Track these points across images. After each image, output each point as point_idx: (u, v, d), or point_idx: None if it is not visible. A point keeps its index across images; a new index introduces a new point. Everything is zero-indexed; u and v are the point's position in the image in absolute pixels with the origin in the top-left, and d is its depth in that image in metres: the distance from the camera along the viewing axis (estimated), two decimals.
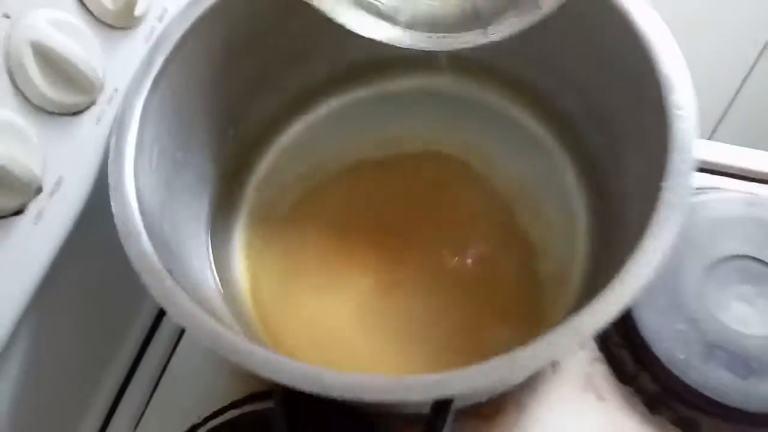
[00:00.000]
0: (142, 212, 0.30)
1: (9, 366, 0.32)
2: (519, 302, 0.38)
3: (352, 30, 0.33)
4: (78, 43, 0.29)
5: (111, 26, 0.32)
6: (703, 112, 0.77)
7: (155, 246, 0.29)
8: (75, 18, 0.30)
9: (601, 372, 0.39)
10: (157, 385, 0.41)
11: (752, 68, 0.76)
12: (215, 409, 0.39)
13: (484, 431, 0.37)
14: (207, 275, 0.37)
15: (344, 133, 0.44)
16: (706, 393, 0.36)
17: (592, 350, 0.39)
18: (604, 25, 0.33)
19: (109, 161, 0.31)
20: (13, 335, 0.30)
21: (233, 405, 0.39)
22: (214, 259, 0.38)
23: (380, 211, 0.42)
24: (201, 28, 0.35)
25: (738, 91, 0.79)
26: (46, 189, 0.29)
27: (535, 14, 0.30)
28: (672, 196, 0.26)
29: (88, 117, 0.32)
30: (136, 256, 0.29)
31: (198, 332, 0.27)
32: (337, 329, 0.38)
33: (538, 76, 0.41)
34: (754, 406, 0.35)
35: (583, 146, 0.39)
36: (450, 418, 0.26)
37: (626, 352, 0.39)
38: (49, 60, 0.28)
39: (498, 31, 0.31)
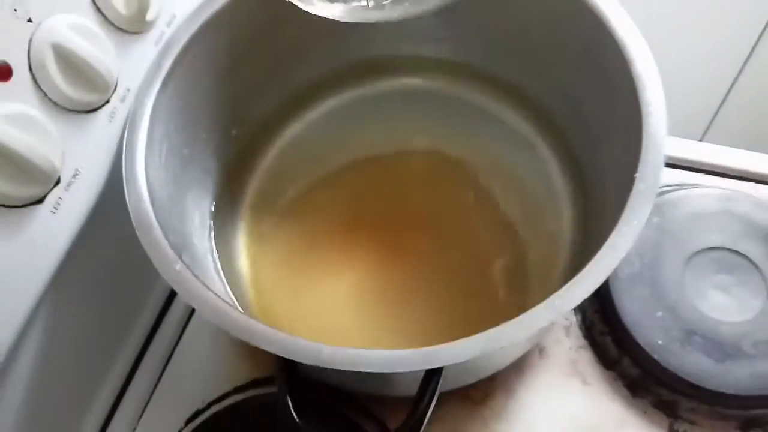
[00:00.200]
0: (153, 203, 0.32)
1: (23, 351, 0.33)
2: (508, 290, 0.40)
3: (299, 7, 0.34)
4: (94, 45, 0.31)
5: (124, 30, 0.34)
6: (694, 114, 0.79)
7: (165, 234, 0.31)
8: (92, 23, 0.32)
9: (585, 358, 0.41)
10: (163, 371, 0.42)
11: (741, 70, 0.78)
12: (219, 394, 0.40)
13: (476, 415, 0.39)
14: (210, 263, 0.39)
15: (342, 131, 0.46)
16: (684, 376, 0.37)
17: (577, 338, 0.41)
18: (582, 29, 0.35)
19: (123, 156, 0.33)
20: (30, 319, 0.32)
21: (236, 390, 0.40)
22: (217, 248, 0.40)
23: (376, 204, 0.43)
24: (206, 33, 0.37)
25: (728, 94, 0.81)
26: (64, 180, 0.31)
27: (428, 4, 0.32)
28: (643, 185, 0.29)
29: (102, 114, 0.33)
30: (148, 243, 0.31)
31: (207, 311, 0.29)
32: (334, 316, 0.40)
33: (523, 77, 0.43)
34: (729, 388, 0.37)
35: (566, 142, 0.41)
36: (438, 390, 0.28)
37: (609, 339, 0.40)
38: (68, 61, 0.30)
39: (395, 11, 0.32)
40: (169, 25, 0.37)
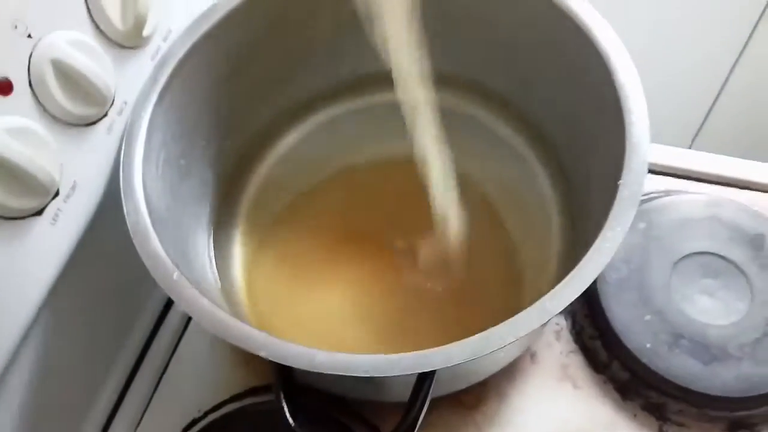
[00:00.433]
0: (150, 214, 0.33)
1: (21, 359, 0.34)
2: (501, 296, 0.41)
3: None
4: (92, 60, 0.32)
5: (121, 45, 0.35)
6: (682, 122, 0.80)
7: (162, 244, 0.32)
8: (90, 38, 0.32)
9: (576, 362, 0.41)
10: (160, 380, 0.43)
11: (727, 79, 0.79)
12: (216, 402, 0.40)
13: (468, 420, 0.39)
14: (207, 272, 0.39)
15: (335, 142, 0.46)
16: (672, 379, 0.38)
17: (567, 342, 0.42)
18: (567, 41, 0.36)
19: (121, 167, 0.34)
20: (29, 329, 0.32)
21: (233, 398, 0.41)
22: (214, 257, 0.40)
23: (370, 213, 0.44)
24: (202, 47, 0.38)
25: (714, 102, 0.82)
26: (63, 192, 0.32)
27: None
28: (627, 192, 0.29)
29: (100, 127, 0.34)
30: (146, 254, 0.31)
31: (203, 319, 0.29)
32: (328, 324, 0.40)
33: (512, 90, 0.44)
34: (716, 390, 0.38)
35: (554, 151, 0.42)
36: (430, 394, 0.29)
37: (599, 343, 0.41)
38: (67, 76, 0.31)
39: None
40: (165, 39, 0.38)
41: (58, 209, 0.32)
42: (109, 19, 0.33)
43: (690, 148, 0.86)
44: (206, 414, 0.40)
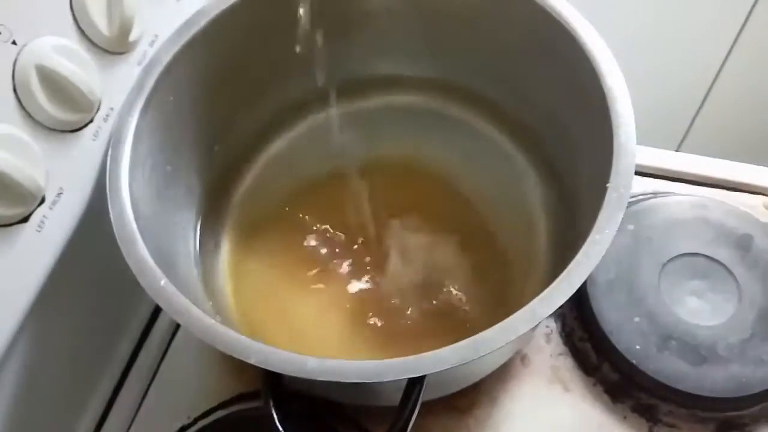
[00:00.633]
0: (137, 220, 0.33)
1: (8, 367, 0.33)
2: (490, 299, 0.41)
3: None
4: (78, 66, 0.32)
5: (107, 51, 0.34)
6: (669, 125, 0.81)
7: (149, 250, 0.32)
8: (75, 44, 0.32)
9: (566, 365, 0.41)
10: (148, 387, 0.43)
11: (713, 83, 0.80)
12: (205, 409, 0.40)
13: (461, 424, 0.39)
14: (195, 278, 0.39)
15: (323, 147, 0.46)
16: (662, 380, 0.38)
17: (557, 345, 0.42)
18: (555, 46, 0.36)
19: (107, 173, 0.33)
20: (15, 336, 0.32)
21: (222, 405, 0.40)
22: (201, 263, 0.40)
23: (358, 218, 0.44)
24: (189, 52, 0.38)
25: (701, 106, 0.83)
26: (48, 199, 0.32)
27: None
28: (615, 194, 0.30)
29: (86, 134, 0.34)
30: (133, 260, 0.31)
31: (192, 326, 0.29)
32: (316, 329, 0.40)
33: (499, 92, 0.44)
34: (705, 391, 0.38)
35: (542, 153, 0.42)
36: (420, 398, 0.28)
37: (589, 345, 0.41)
38: (52, 82, 0.30)
39: None
40: (151, 45, 0.38)
41: (44, 216, 0.32)
42: (94, 25, 0.33)
43: (678, 150, 0.87)
44: (196, 420, 0.40)
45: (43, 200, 0.31)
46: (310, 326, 0.41)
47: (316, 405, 0.37)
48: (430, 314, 0.40)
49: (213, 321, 0.29)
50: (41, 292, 0.33)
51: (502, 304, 0.40)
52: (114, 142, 0.34)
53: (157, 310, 0.46)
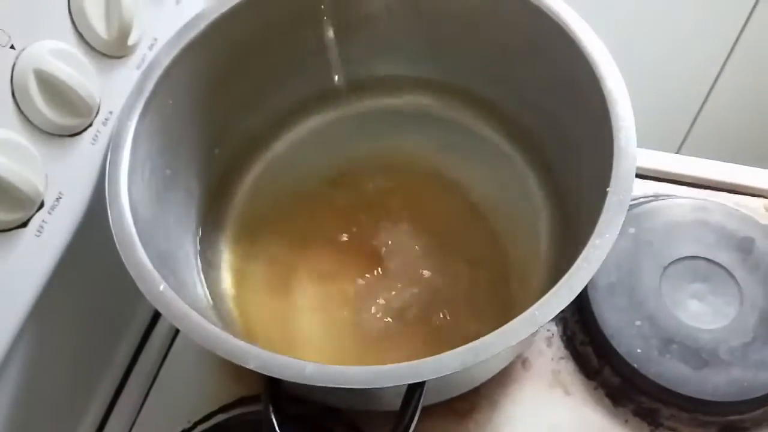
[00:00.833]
0: (137, 224, 0.32)
1: (8, 372, 0.33)
2: (490, 303, 0.41)
3: None
4: (77, 70, 0.31)
5: (106, 55, 0.34)
6: (669, 127, 0.81)
7: (149, 255, 0.32)
8: (74, 48, 0.32)
9: (567, 368, 0.41)
10: (149, 391, 0.42)
11: (713, 86, 0.80)
12: (205, 413, 0.40)
13: (461, 428, 0.39)
14: (195, 282, 0.39)
15: (324, 150, 0.46)
16: (664, 384, 0.38)
17: (558, 348, 0.42)
18: (555, 48, 0.36)
19: (106, 178, 0.33)
20: (14, 341, 0.32)
21: (223, 409, 0.40)
22: (202, 267, 0.40)
23: (358, 221, 0.44)
24: (188, 55, 0.38)
25: (701, 107, 0.83)
26: (47, 204, 0.32)
27: None
28: (615, 199, 0.29)
29: (85, 138, 0.34)
30: (132, 264, 0.31)
31: (191, 331, 0.29)
32: (317, 332, 0.40)
33: (499, 94, 0.44)
34: (707, 395, 0.38)
35: (542, 156, 0.42)
36: (420, 404, 0.28)
37: (590, 348, 0.41)
38: (50, 86, 0.30)
39: None
40: (150, 48, 0.37)
41: (43, 221, 0.32)
42: (93, 28, 0.33)
43: (678, 152, 0.87)
44: (196, 424, 0.40)
45: (42, 205, 0.31)
46: (311, 330, 0.40)
47: (317, 409, 0.37)
48: (431, 318, 0.40)
49: (212, 326, 0.29)
50: (41, 296, 0.32)
51: (502, 308, 0.40)
52: (113, 146, 0.34)
53: (157, 313, 0.45)
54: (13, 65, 0.29)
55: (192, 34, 0.38)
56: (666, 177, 0.48)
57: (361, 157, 0.47)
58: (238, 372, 0.41)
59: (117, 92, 0.35)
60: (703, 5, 0.72)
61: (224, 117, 0.42)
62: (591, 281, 0.29)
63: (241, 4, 0.39)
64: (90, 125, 0.34)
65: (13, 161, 0.29)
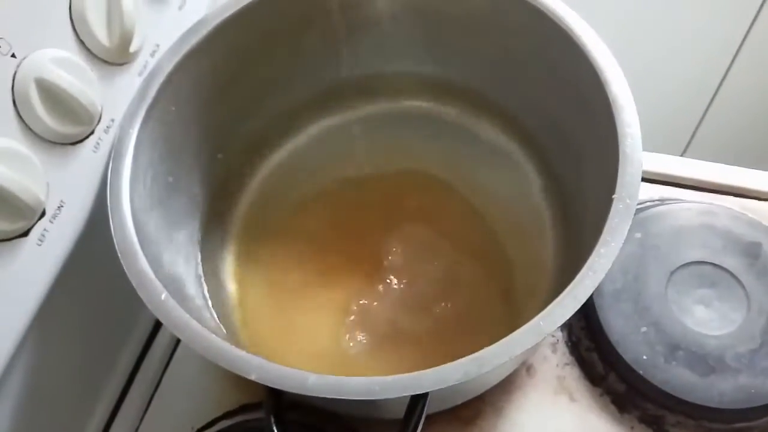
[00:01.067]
0: (138, 232, 0.32)
1: (11, 381, 0.33)
2: (495, 311, 0.40)
3: None
4: (78, 78, 0.31)
5: (108, 62, 0.34)
6: (674, 130, 0.80)
7: (150, 263, 0.31)
8: (75, 56, 0.32)
9: (572, 375, 0.41)
10: (151, 398, 0.42)
11: (718, 88, 0.79)
12: (208, 420, 0.40)
13: None
14: (198, 290, 0.39)
15: (327, 154, 0.46)
16: (670, 391, 0.38)
17: (563, 354, 0.42)
18: (558, 53, 0.36)
19: (108, 186, 0.33)
20: (17, 350, 0.32)
21: (225, 416, 0.40)
22: (204, 275, 0.40)
23: (363, 226, 0.44)
24: (190, 62, 0.37)
25: (706, 110, 0.82)
26: (49, 212, 0.31)
27: None
28: (621, 205, 0.29)
29: (87, 146, 0.33)
30: (133, 273, 0.31)
31: (192, 341, 0.29)
32: (320, 340, 0.40)
33: (505, 99, 0.43)
34: (713, 402, 0.37)
35: (548, 161, 0.42)
36: (424, 414, 0.28)
37: (595, 355, 0.41)
38: (51, 95, 0.30)
39: None
40: (152, 55, 0.37)
41: (45, 230, 0.31)
42: (94, 36, 0.33)
43: (683, 155, 0.87)
44: (199, 431, 0.40)
45: (43, 214, 0.31)
46: (315, 337, 0.40)
47: (319, 417, 0.37)
48: (436, 325, 0.40)
49: (213, 336, 0.29)
50: (43, 305, 0.32)
51: (507, 315, 0.39)
52: (115, 154, 0.34)
53: (159, 321, 0.45)
54: (14, 74, 0.29)
55: (194, 40, 0.38)
56: (671, 180, 0.48)
57: (365, 161, 0.46)
58: (240, 379, 0.41)
59: (119, 99, 0.35)
60: (708, 7, 0.71)
61: (227, 122, 0.42)
62: (596, 287, 0.28)
63: (243, 9, 0.39)
64: (92, 133, 0.34)
65: (14, 170, 0.29)
